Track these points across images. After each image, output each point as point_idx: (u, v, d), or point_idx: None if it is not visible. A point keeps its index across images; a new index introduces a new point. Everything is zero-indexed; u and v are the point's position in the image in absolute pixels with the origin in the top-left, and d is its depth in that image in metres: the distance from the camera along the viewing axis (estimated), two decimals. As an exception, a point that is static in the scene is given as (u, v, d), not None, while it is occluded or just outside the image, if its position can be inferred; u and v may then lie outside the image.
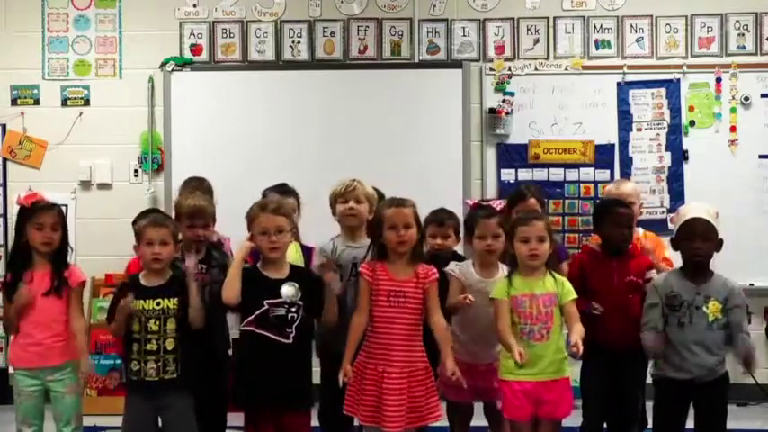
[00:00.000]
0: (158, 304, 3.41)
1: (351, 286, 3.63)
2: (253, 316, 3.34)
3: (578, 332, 3.30)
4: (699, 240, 3.46)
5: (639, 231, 4.31)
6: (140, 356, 3.39)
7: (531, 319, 3.35)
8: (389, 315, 3.35)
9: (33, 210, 3.64)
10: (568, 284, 3.43)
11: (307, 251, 3.98)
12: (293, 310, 3.36)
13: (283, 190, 4.16)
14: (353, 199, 3.75)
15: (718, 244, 3.51)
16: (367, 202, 3.76)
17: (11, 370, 5.03)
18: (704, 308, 3.44)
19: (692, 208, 3.64)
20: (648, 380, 3.74)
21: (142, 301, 3.40)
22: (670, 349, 3.49)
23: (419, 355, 3.38)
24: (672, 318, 3.48)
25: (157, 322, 3.39)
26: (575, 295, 3.42)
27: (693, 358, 3.44)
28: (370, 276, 3.38)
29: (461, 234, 3.82)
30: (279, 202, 3.57)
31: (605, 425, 3.83)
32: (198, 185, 4.32)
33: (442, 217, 3.82)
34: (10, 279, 3.63)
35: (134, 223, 3.65)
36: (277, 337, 3.32)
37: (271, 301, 3.34)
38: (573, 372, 3.84)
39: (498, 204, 3.74)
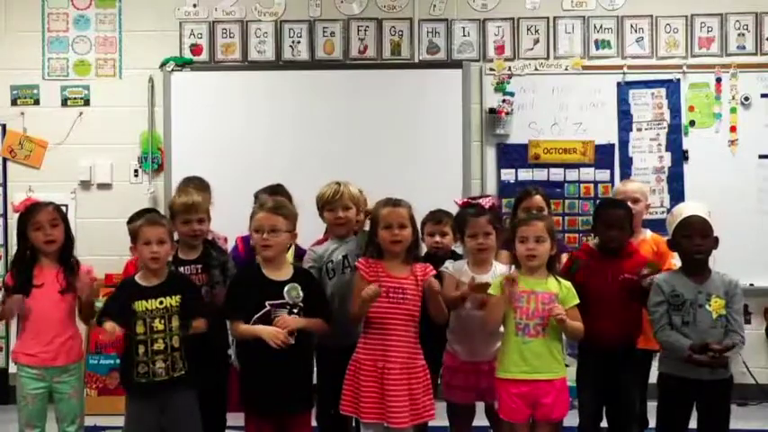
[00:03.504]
0: (161, 303, 3.40)
1: (344, 279, 3.64)
2: (256, 317, 3.33)
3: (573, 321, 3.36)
4: (698, 237, 3.47)
5: (648, 233, 4.29)
6: (148, 358, 3.37)
7: (528, 315, 3.37)
8: (388, 311, 3.36)
9: (29, 212, 3.66)
10: (573, 290, 3.43)
11: (300, 253, 3.93)
12: (295, 311, 3.36)
13: (274, 190, 4.14)
14: (341, 207, 3.71)
15: (715, 241, 3.51)
16: (354, 205, 3.74)
17: (11, 369, 5.05)
18: (707, 305, 3.44)
19: (686, 207, 3.66)
20: (652, 380, 3.74)
21: (144, 302, 3.39)
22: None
23: (417, 352, 3.40)
24: (676, 317, 3.47)
25: (162, 321, 3.38)
26: (577, 300, 3.43)
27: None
28: (365, 272, 3.39)
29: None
30: (280, 202, 3.57)
31: (606, 424, 3.82)
32: (196, 185, 4.30)
33: (438, 215, 3.88)
34: (15, 283, 3.62)
35: (129, 223, 3.65)
36: None
37: (272, 302, 3.34)
38: (571, 371, 3.85)
39: (487, 202, 3.74)
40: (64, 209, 3.93)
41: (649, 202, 4.66)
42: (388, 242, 3.38)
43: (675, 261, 3.87)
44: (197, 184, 4.26)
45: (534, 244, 3.39)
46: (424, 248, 3.83)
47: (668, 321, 3.46)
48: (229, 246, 4.19)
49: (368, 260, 3.44)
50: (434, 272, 3.47)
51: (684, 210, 3.60)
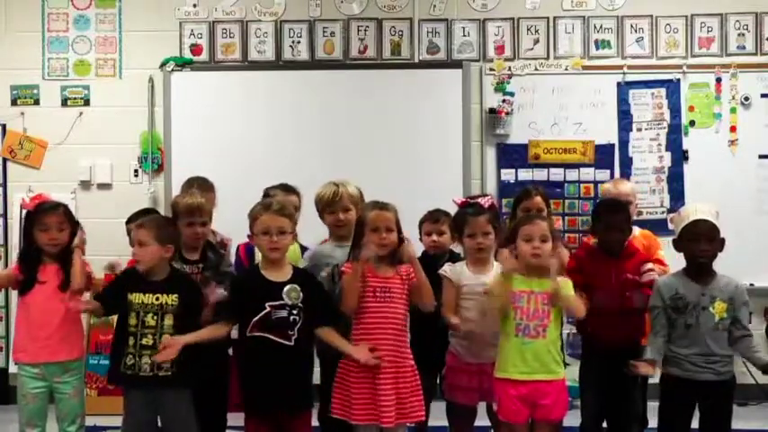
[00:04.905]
0: (157, 299, 3.40)
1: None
2: (256, 318, 3.32)
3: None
4: (704, 242, 3.46)
5: (636, 230, 4.30)
6: (136, 351, 3.37)
7: (528, 316, 3.36)
8: (378, 311, 3.37)
9: (37, 212, 3.67)
10: (569, 287, 3.42)
11: (305, 252, 3.95)
12: (294, 312, 3.35)
13: (286, 188, 4.16)
14: (341, 209, 3.74)
15: (721, 244, 3.51)
16: (353, 205, 3.75)
17: (11, 369, 5.05)
18: (710, 308, 3.43)
19: (695, 209, 3.62)
20: (654, 380, 3.74)
21: (141, 295, 3.39)
22: (676, 352, 3.48)
23: (406, 352, 3.40)
24: (678, 320, 3.46)
25: (155, 317, 3.37)
26: (572, 292, 3.42)
27: (700, 360, 3.43)
28: (350, 268, 3.39)
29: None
30: (282, 203, 3.56)
31: (605, 424, 3.82)
32: (201, 185, 4.29)
33: (436, 215, 3.87)
34: (22, 278, 3.65)
35: (128, 222, 3.65)
36: (279, 339, 3.31)
37: (272, 303, 3.33)
38: (572, 371, 3.86)
39: (486, 201, 3.74)
40: (64, 209, 3.93)
41: (637, 202, 4.69)
42: (375, 245, 3.39)
43: (664, 253, 3.95)
44: (201, 184, 4.25)
45: (540, 243, 3.39)
46: (421, 248, 3.84)
47: (663, 326, 3.48)
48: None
49: (352, 264, 3.42)
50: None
51: (693, 212, 3.56)
